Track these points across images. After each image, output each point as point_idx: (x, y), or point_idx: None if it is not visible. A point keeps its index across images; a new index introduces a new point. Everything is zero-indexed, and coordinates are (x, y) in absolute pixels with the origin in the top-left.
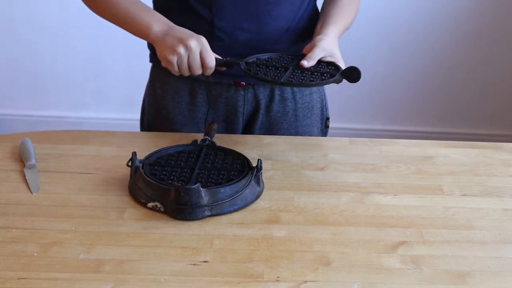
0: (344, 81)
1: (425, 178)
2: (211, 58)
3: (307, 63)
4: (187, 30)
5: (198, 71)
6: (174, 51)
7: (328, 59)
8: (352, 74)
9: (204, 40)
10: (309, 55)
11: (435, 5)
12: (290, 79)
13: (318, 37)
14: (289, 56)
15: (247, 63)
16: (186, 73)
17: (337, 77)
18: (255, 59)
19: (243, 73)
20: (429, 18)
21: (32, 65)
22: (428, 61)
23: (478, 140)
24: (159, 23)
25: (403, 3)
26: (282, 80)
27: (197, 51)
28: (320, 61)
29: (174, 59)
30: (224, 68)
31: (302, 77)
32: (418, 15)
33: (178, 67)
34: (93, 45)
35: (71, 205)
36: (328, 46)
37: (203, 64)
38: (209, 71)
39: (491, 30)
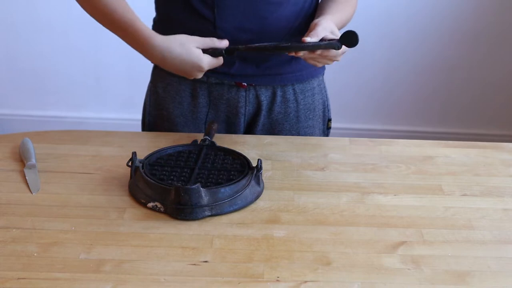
0: (344, 82)
1: (425, 178)
2: (218, 64)
3: (309, 39)
4: (184, 59)
5: None
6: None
7: (329, 36)
8: (350, 39)
9: (206, 65)
10: (312, 32)
11: (435, 5)
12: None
13: (316, 20)
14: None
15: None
16: None
17: (334, 41)
18: (254, 47)
19: (243, 49)
20: (429, 18)
21: (32, 65)
22: (428, 61)
23: (478, 140)
24: (153, 52)
25: (403, 3)
26: (281, 45)
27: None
28: (322, 39)
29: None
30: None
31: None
32: (418, 15)
33: None
34: (94, 45)
35: (71, 205)
36: (329, 25)
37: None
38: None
39: (491, 30)
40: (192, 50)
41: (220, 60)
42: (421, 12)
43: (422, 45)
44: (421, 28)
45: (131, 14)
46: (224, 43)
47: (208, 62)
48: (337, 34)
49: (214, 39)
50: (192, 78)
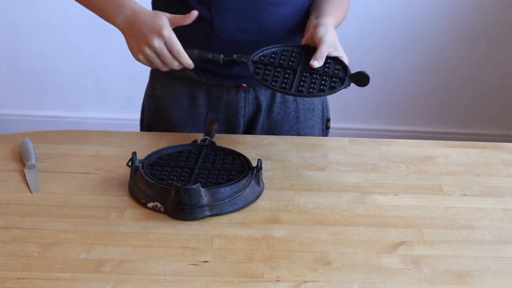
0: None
1: (425, 178)
2: (179, 51)
3: (317, 63)
4: (151, 18)
5: (173, 65)
6: (140, 51)
7: (333, 53)
8: (361, 79)
9: (167, 32)
10: (318, 54)
11: (435, 5)
12: (300, 87)
13: (318, 29)
14: (295, 50)
15: (253, 62)
16: (164, 69)
17: (346, 83)
18: (261, 56)
19: (251, 76)
20: (429, 18)
21: (32, 65)
22: (428, 61)
23: (478, 140)
24: (124, 10)
25: (403, 3)
26: (292, 91)
27: (162, 49)
28: (326, 58)
29: (143, 60)
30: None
31: (312, 82)
32: (418, 15)
33: (154, 63)
34: (94, 45)
35: (71, 205)
36: (331, 39)
37: (177, 58)
38: (186, 63)
39: (491, 30)
40: (162, 14)
41: (182, 54)
42: (421, 12)
43: (422, 45)
44: (421, 28)
45: None
46: (191, 16)
47: (169, 31)
48: (338, 49)
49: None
50: (138, 49)
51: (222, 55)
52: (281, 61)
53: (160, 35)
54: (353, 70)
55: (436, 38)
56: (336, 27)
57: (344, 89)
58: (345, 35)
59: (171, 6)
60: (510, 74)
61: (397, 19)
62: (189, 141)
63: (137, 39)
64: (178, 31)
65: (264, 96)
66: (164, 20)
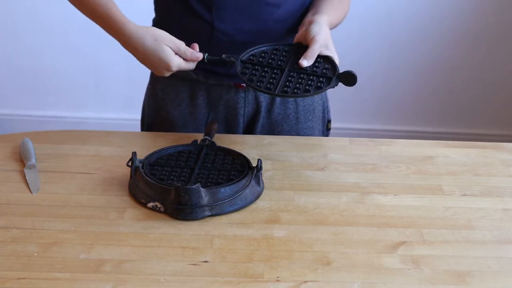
0: None
1: (425, 178)
2: (189, 68)
3: (306, 62)
4: (156, 58)
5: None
6: (161, 74)
7: (324, 52)
8: (349, 79)
9: (174, 63)
10: (308, 53)
11: (435, 5)
12: (285, 88)
13: (312, 27)
14: (285, 49)
15: (242, 62)
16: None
17: (333, 83)
18: (250, 56)
19: (239, 75)
20: (429, 18)
21: (32, 65)
22: (428, 61)
23: (478, 140)
24: (126, 41)
25: (403, 3)
26: (277, 91)
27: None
28: (317, 56)
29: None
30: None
31: (298, 82)
32: (418, 15)
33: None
34: (93, 45)
35: (71, 205)
36: (324, 38)
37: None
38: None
39: (491, 30)
40: (164, 48)
41: (191, 65)
42: (421, 12)
43: (422, 45)
44: (421, 28)
45: (108, 1)
46: (196, 55)
47: (177, 64)
48: (330, 49)
49: (188, 50)
50: (160, 75)
51: (206, 54)
52: (270, 60)
53: (169, 70)
54: (352, 68)
55: (436, 38)
56: (332, 27)
57: (344, 89)
58: (346, 35)
59: (171, 5)
60: (510, 74)
61: (398, 19)
62: (189, 141)
63: (153, 69)
64: (179, 31)
65: (263, 96)
66: (169, 55)
